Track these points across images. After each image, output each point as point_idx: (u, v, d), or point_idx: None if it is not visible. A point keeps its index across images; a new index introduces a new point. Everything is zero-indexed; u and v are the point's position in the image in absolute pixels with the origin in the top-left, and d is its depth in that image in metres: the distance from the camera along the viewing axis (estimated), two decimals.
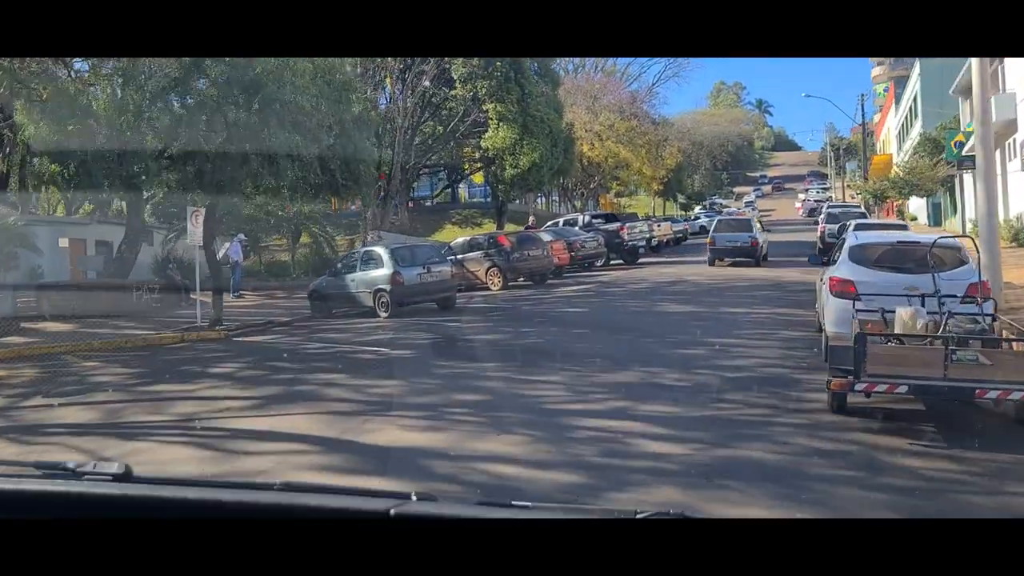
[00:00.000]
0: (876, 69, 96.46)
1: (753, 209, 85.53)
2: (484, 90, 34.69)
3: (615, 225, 30.32)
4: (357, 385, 10.78)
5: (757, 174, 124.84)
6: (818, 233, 29.16)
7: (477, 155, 37.56)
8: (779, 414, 8.56)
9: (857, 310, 9.46)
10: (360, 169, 16.80)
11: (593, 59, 77.98)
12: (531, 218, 33.58)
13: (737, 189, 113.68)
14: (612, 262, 30.46)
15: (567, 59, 76.44)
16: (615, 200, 73.41)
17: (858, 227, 19.40)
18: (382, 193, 33.78)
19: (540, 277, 24.56)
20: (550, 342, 13.72)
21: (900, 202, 28.82)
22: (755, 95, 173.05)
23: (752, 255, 27.29)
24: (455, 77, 35.15)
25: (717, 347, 12.42)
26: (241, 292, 25.20)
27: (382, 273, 18.58)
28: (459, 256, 24.39)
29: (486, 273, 23.71)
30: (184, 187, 14.89)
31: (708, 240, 28.47)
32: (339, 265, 20.36)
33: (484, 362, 12.14)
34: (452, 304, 19.43)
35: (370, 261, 19.17)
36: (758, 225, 30.09)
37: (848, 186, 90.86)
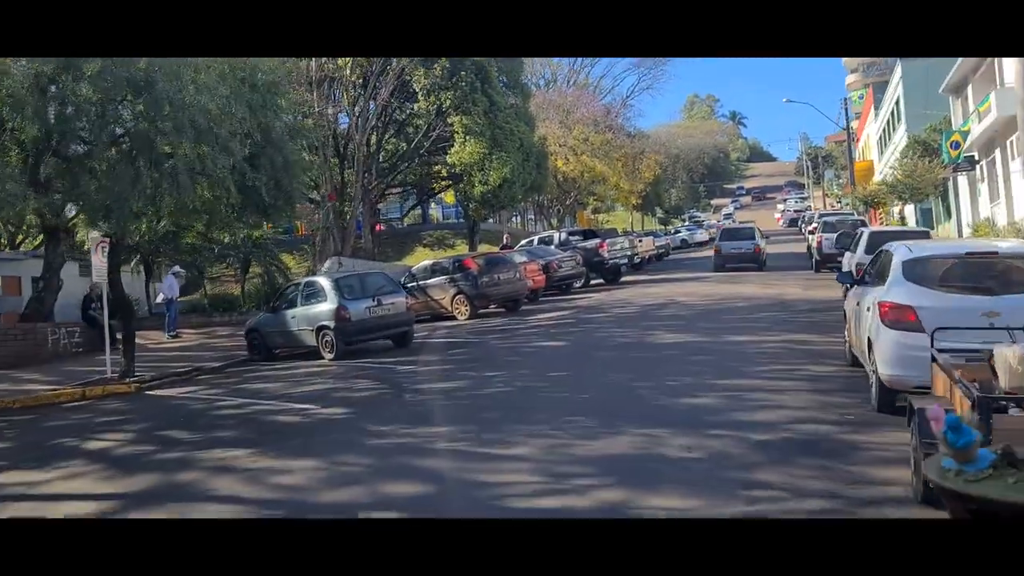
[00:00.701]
0: (850, 77, 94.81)
1: (733, 221, 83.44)
2: (448, 102, 32.00)
3: (594, 242, 27.62)
4: (256, 471, 7.90)
5: (734, 186, 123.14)
6: (814, 244, 26.62)
7: (444, 172, 34.83)
8: (842, 506, 5.83)
9: (939, 350, 6.72)
10: (292, 187, 13.98)
11: (565, 73, 75.90)
12: (506, 236, 30.80)
13: (715, 202, 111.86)
14: (592, 282, 27.75)
15: (539, 74, 74.26)
16: (592, 216, 70.86)
17: (874, 235, 16.79)
18: (333, 214, 30.91)
19: (513, 303, 21.77)
20: (521, 392, 10.89)
21: (899, 207, 26.49)
22: (728, 107, 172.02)
23: (756, 260, 28.90)
24: (417, 89, 32.48)
25: (730, 392, 9.69)
26: (177, 331, 22.23)
27: (325, 308, 15.72)
28: (421, 282, 21.60)
29: (452, 301, 20.90)
30: (55, 212, 12.02)
31: (714, 248, 30.40)
32: (278, 300, 17.46)
33: (433, 426, 9.30)
34: (409, 340, 16.59)
35: (312, 294, 16.31)
36: (760, 233, 31.34)
37: (828, 195, 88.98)
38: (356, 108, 31.85)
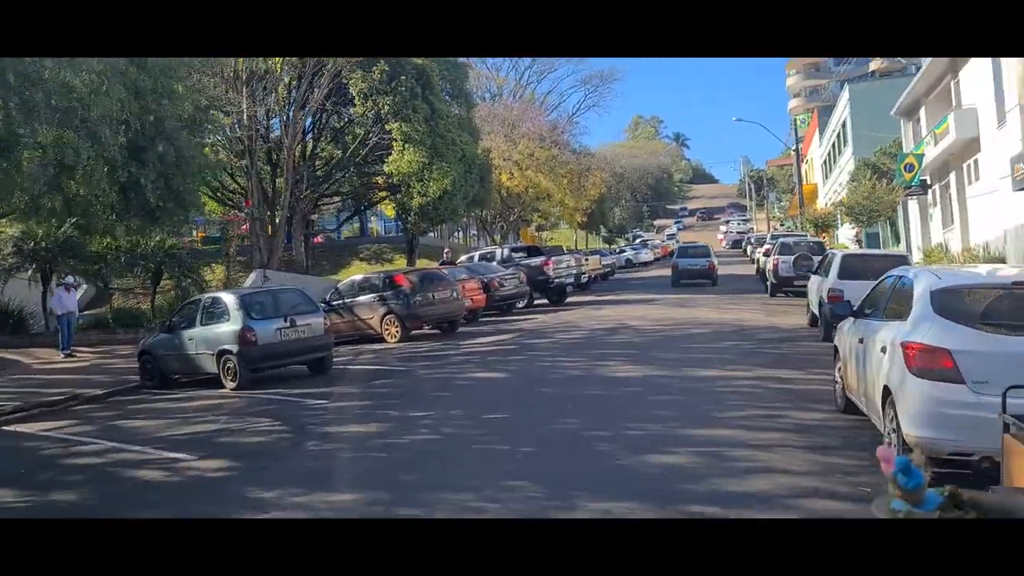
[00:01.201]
0: (793, 101, 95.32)
1: (676, 241, 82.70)
2: (387, 108, 29.87)
3: (539, 260, 25.67)
4: None
5: (677, 206, 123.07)
6: (770, 266, 25.11)
7: (382, 182, 32.63)
8: None
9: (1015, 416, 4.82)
10: (186, 187, 11.73)
11: (511, 87, 74.34)
12: (447, 251, 28.65)
13: (658, 222, 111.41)
14: (536, 303, 25.81)
15: (484, 87, 72.57)
16: (536, 233, 69.22)
17: (848, 259, 15.12)
18: (259, 223, 28.49)
19: (449, 325, 19.68)
20: (450, 442, 8.79)
21: (857, 231, 25.26)
22: (672, 128, 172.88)
23: (709, 276, 31.13)
24: (354, 93, 30.31)
25: (707, 448, 7.77)
26: (71, 350, 19.60)
27: (227, 329, 13.43)
28: (348, 300, 19.38)
29: (381, 321, 18.71)
30: None
31: (672, 265, 32.68)
32: (176, 317, 15.07)
33: (334, 491, 7.16)
34: (327, 367, 14.37)
35: (214, 313, 13.99)
36: (713, 252, 33.62)
37: (771, 217, 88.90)
38: (287, 110, 29.48)
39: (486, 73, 75.83)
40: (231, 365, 13.28)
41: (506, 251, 26.98)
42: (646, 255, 57.16)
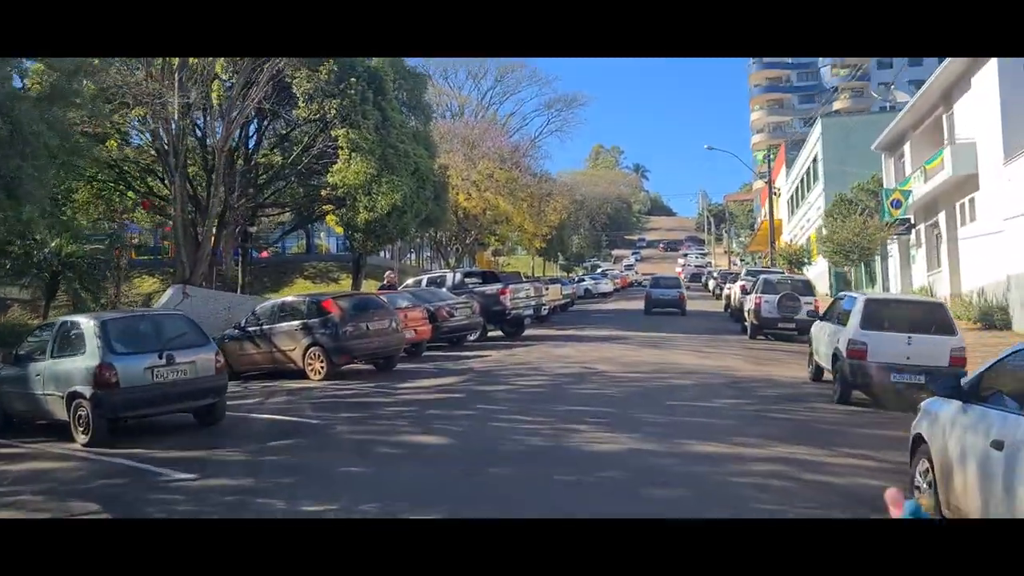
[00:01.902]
0: (756, 137, 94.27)
1: (635, 272, 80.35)
2: (334, 111, 26.74)
3: (495, 287, 22.54)
4: None
5: (635, 237, 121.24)
6: (751, 306, 22.36)
7: (324, 193, 29.36)
8: None
9: None
10: (25, 176, 8.50)
11: (473, 107, 71.59)
12: (388, 274, 25.24)
13: (616, 252, 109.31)
14: (490, 334, 22.68)
15: (445, 105, 69.72)
16: (492, 258, 66.27)
17: (874, 305, 12.27)
18: (182, 233, 25.00)
19: (385, 361, 16.45)
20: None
21: (847, 269, 22.76)
22: (633, 159, 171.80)
23: (679, 306, 32.45)
24: (298, 94, 27.14)
25: None
26: None
27: (81, 365, 10.07)
28: (267, 327, 16.07)
29: (304, 354, 15.41)
30: None
31: (645, 295, 34.45)
32: (27, 345, 11.63)
33: None
34: (218, 416, 11.06)
35: (68, 341, 10.62)
36: (684, 283, 36.50)
37: (729, 252, 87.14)
38: (218, 107, 26.11)
39: (447, 91, 73.14)
40: (83, 413, 9.93)
41: (458, 276, 23.79)
42: (606, 285, 54.39)
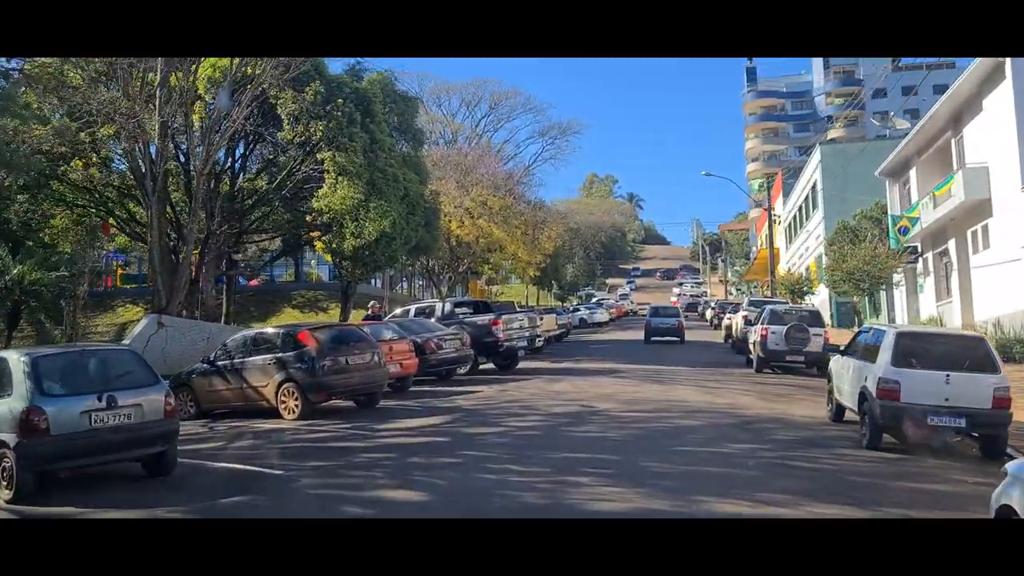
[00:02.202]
0: (751, 165, 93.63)
1: (630, 302, 79.18)
2: (320, 133, 25.62)
3: (486, 317, 21.23)
4: None
5: (630, 266, 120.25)
6: (756, 337, 21.08)
7: (309, 219, 28.11)
8: None
9: None
10: None
11: (467, 134, 70.67)
12: (373, 304, 23.83)
13: (610, 281, 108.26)
14: (482, 366, 21.36)
15: (438, 132, 68.85)
16: (486, 287, 65.08)
17: (907, 339, 10.99)
18: (158, 259, 23.69)
19: (367, 398, 15.10)
20: None
21: (856, 299, 21.51)
22: (627, 188, 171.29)
23: (678, 335, 33.32)
24: (282, 116, 26.01)
25: None
26: None
27: (5, 409, 8.72)
28: (238, 360, 14.74)
29: (277, 391, 14.07)
30: None
31: (645, 323, 35.30)
32: None
33: None
34: (168, 466, 9.69)
35: None
36: (682, 312, 38.64)
37: (728, 282, 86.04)
38: (199, 129, 24.90)
39: (441, 117, 72.34)
40: (7, 464, 8.57)
41: (448, 306, 22.48)
42: (601, 315, 53.16)
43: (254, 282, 52.88)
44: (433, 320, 20.97)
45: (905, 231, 26.98)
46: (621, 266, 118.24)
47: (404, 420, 13.63)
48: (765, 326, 20.80)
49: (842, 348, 13.10)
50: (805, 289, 34.68)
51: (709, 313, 55.66)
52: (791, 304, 23.75)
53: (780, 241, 60.25)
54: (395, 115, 31.61)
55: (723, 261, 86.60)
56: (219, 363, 14.89)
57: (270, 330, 15.71)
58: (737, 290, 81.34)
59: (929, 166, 28.95)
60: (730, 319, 33.92)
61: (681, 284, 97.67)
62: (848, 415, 12.69)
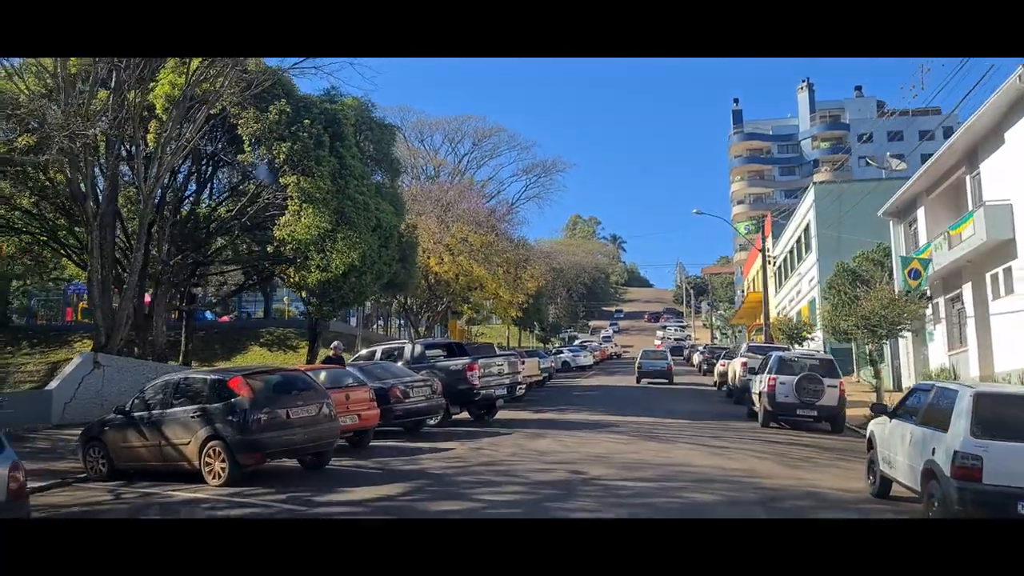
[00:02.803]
0: (737, 208, 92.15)
1: (614, 345, 76.81)
2: (283, 156, 23.28)
3: (461, 362, 18.70)
4: None
5: (612, 308, 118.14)
6: (764, 388, 18.67)
7: (270, 250, 25.62)
8: None
9: None
10: None
11: (449, 171, 68.62)
12: (335, 345, 21.10)
13: (593, 323, 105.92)
14: (455, 416, 18.82)
15: (420, 166, 66.80)
16: (466, 327, 62.56)
17: (987, 399, 8.60)
18: (98, 291, 21.11)
19: (315, 457, 12.53)
20: None
21: (871, 346, 19.32)
22: (610, 230, 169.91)
23: (667, 376, 36.05)
24: (243, 136, 23.68)
25: None
26: None
27: None
28: (156, 412, 12.14)
29: (200, 451, 11.46)
30: None
31: (637, 365, 37.11)
32: None
33: None
34: None
35: None
36: (670, 355, 40.71)
37: (714, 326, 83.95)
38: (154, 149, 22.47)
39: (423, 152, 70.37)
40: None
41: (418, 348, 19.89)
42: (585, 358, 50.73)
43: (225, 318, 50.16)
44: (401, 364, 18.45)
45: (916, 274, 24.82)
46: (604, 308, 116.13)
47: (354, 489, 11.05)
48: (773, 376, 18.44)
49: (891, 409, 10.69)
50: (805, 334, 32.44)
51: (697, 358, 53.40)
52: (797, 350, 21.29)
53: (769, 285, 58.30)
54: (370, 143, 29.35)
55: (709, 304, 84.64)
56: (135, 414, 12.29)
57: (197, 375, 13.06)
58: (723, 334, 79.25)
59: (939, 205, 26.95)
60: (724, 365, 31.63)
61: (665, 327, 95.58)
62: (896, 489, 10.32)
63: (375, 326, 54.48)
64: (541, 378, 29.91)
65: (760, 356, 25.30)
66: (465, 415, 19.28)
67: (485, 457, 13.65)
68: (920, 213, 27.95)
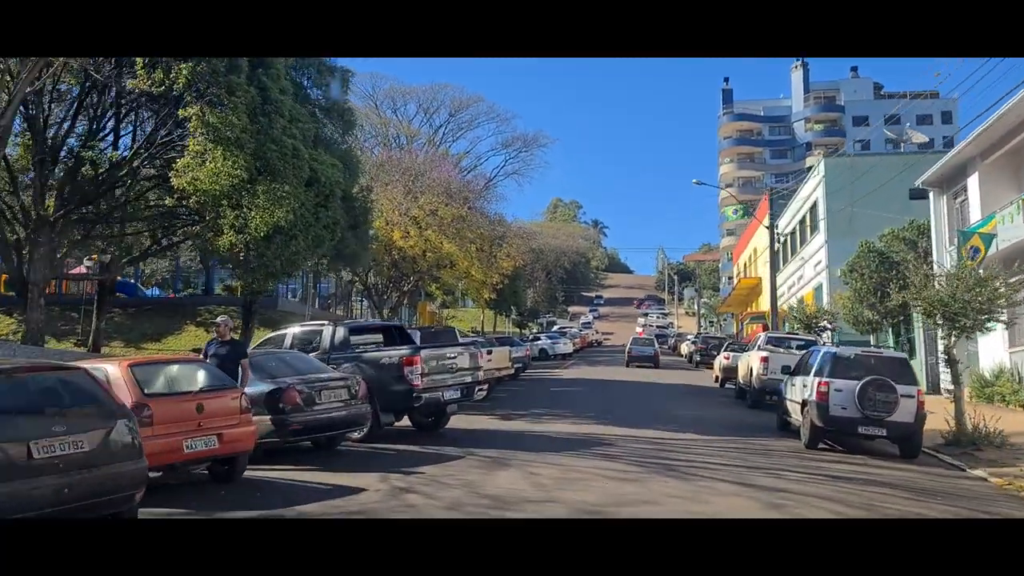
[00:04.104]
0: (726, 192, 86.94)
1: (595, 331, 71.90)
2: (183, 79, 17.81)
3: (397, 353, 13.26)
4: None
5: (592, 294, 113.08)
6: (811, 395, 13.40)
7: (170, 204, 20.13)
8: None
9: None
10: None
11: (422, 140, 62.91)
12: (222, 320, 14.96)
13: (572, 308, 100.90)
14: (390, 425, 13.49)
15: (393, 135, 61.16)
16: (436, 310, 57.17)
17: None
18: None
19: (112, 515, 7.18)
20: None
21: (950, 339, 14.39)
22: (592, 215, 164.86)
23: (654, 361, 38.84)
24: (136, 58, 18.17)
25: None
26: None
27: None
28: None
29: None
30: None
31: (627, 351, 40.02)
32: None
33: None
34: None
35: None
36: (656, 342, 43.77)
37: (700, 314, 79.08)
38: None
39: (396, 122, 64.67)
40: None
41: (341, 333, 14.29)
42: (564, 346, 45.58)
43: (171, 295, 44.42)
44: (313, 355, 13.08)
45: (976, 252, 19.78)
46: (583, 293, 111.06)
47: None
48: (825, 379, 13.22)
49: None
50: (826, 324, 27.38)
51: (686, 348, 48.41)
52: (849, 347, 15.96)
53: (763, 271, 53.26)
54: (319, 87, 23.93)
55: (696, 290, 79.80)
56: None
57: None
58: (710, 323, 74.42)
59: (998, 172, 21.89)
60: (728, 358, 26.59)
61: (646, 315, 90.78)
62: None
63: (335, 308, 48.93)
64: (513, 371, 24.63)
65: (784, 350, 20.19)
66: (407, 423, 13.97)
67: (405, 509, 8.33)
68: (972, 181, 22.87)
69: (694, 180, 43.28)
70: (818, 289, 38.05)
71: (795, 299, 42.13)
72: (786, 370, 17.06)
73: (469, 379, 14.05)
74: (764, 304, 51.34)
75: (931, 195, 25.27)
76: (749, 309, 55.99)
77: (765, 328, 41.73)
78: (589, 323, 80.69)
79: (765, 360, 19.19)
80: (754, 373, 19.72)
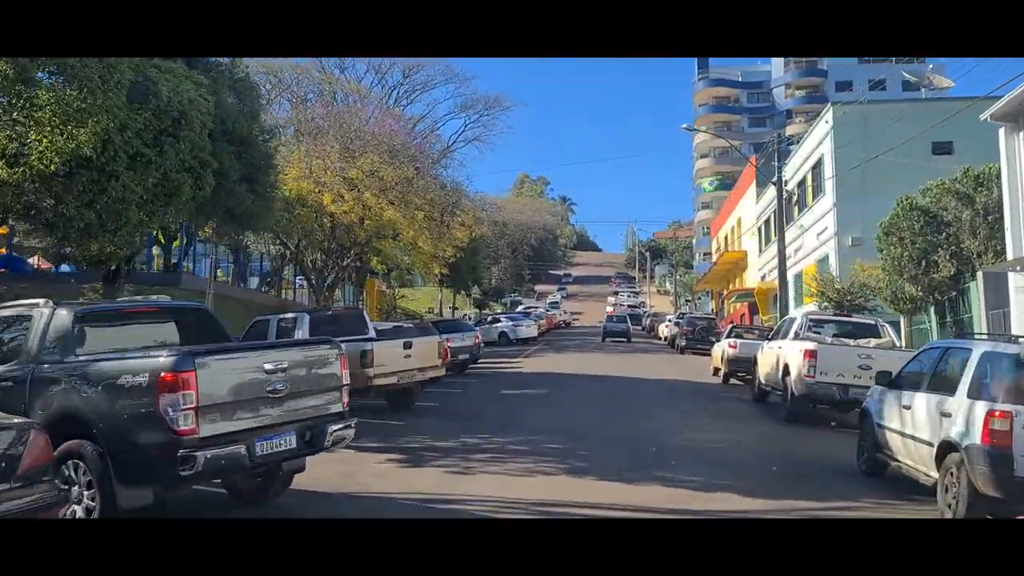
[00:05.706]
0: (701, 162, 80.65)
1: (562, 311, 65.56)
2: None
3: (149, 367, 6.01)
4: None
5: (561, 272, 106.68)
6: (976, 441, 6.99)
7: None
8: None
9: None
10: None
11: (374, 102, 55.70)
12: None
13: (539, 287, 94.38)
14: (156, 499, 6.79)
15: (341, 97, 53.92)
16: (387, 289, 50.29)
17: None
18: None
19: None
20: None
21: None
22: (559, 191, 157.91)
23: (626, 335, 41.88)
24: None
25: None
26: None
27: None
28: None
29: None
30: None
31: (603, 328, 43.01)
32: None
33: None
34: None
35: None
36: (630, 320, 47.25)
37: (677, 294, 72.89)
38: None
39: (344, 82, 57.27)
40: None
41: (63, 319, 6.98)
42: (528, 328, 38.91)
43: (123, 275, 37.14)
44: (11, 364, 6.30)
45: None
46: (551, 272, 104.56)
47: None
48: (1004, 408, 6.74)
49: None
50: (866, 304, 21.09)
51: (666, 330, 42.05)
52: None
53: (748, 244, 47.02)
54: None
55: (671, 267, 73.65)
56: None
57: None
58: (686, 301, 68.23)
59: None
60: (734, 346, 20.24)
61: (616, 293, 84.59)
62: None
63: (263, 287, 41.77)
64: (444, 370, 17.51)
65: (833, 340, 13.77)
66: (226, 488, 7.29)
67: None
68: None
69: (682, 125, 36.59)
70: (822, 261, 31.86)
71: (792, 274, 35.84)
72: (858, 374, 10.58)
73: (319, 412, 7.28)
74: (749, 280, 45.22)
75: (1001, 132, 18.86)
76: (732, 286, 49.75)
77: (752, 308, 35.39)
78: (557, 303, 74.38)
79: (812, 355, 12.70)
80: (793, 373, 13.20)
